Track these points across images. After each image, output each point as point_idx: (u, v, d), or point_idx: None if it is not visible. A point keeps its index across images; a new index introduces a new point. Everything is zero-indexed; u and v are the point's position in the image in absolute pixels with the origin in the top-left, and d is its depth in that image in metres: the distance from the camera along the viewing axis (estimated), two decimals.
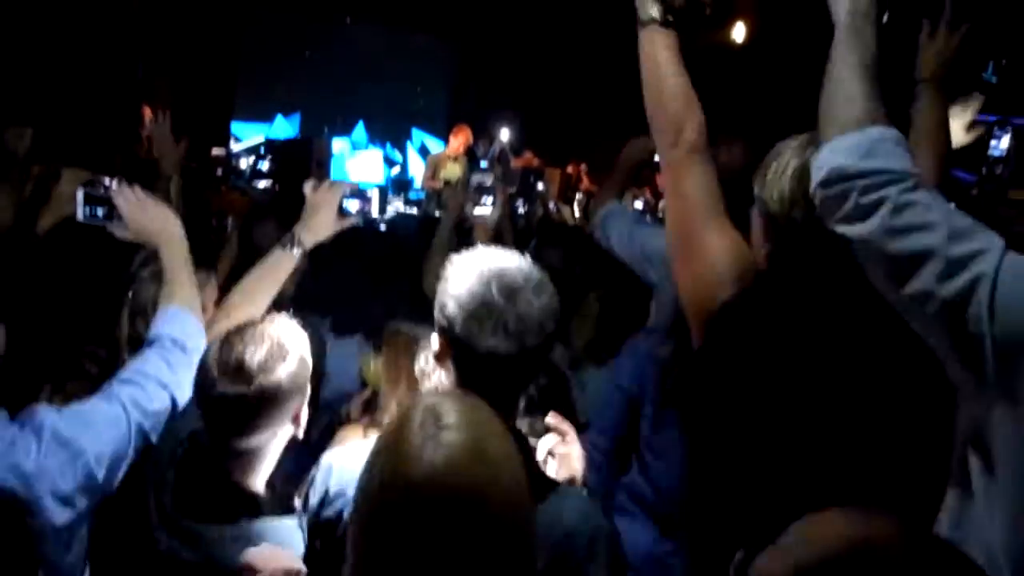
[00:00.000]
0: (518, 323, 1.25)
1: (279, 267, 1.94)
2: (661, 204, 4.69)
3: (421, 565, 0.91)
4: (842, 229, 1.16)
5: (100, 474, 1.44)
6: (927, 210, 1.11)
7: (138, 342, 1.74)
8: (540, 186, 6.70)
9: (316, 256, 2.18)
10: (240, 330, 1.49)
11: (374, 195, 2.81)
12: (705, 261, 1.43)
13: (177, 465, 1.51)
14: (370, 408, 2.13)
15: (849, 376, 1.29)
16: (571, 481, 1.50)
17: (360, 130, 9.58)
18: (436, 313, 1.33)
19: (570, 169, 7.37)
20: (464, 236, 3.58)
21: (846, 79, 1.22)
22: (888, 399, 1.28)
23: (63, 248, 2.28)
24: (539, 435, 1.55)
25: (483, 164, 7.50)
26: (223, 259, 2.70)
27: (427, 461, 0.92)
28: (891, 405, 1.28)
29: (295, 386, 1.47)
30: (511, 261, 1.33)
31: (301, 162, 6.50)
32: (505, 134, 8.01)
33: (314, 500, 1.39)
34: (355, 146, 9.55)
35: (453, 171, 7.29)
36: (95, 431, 1.45)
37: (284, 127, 9.09)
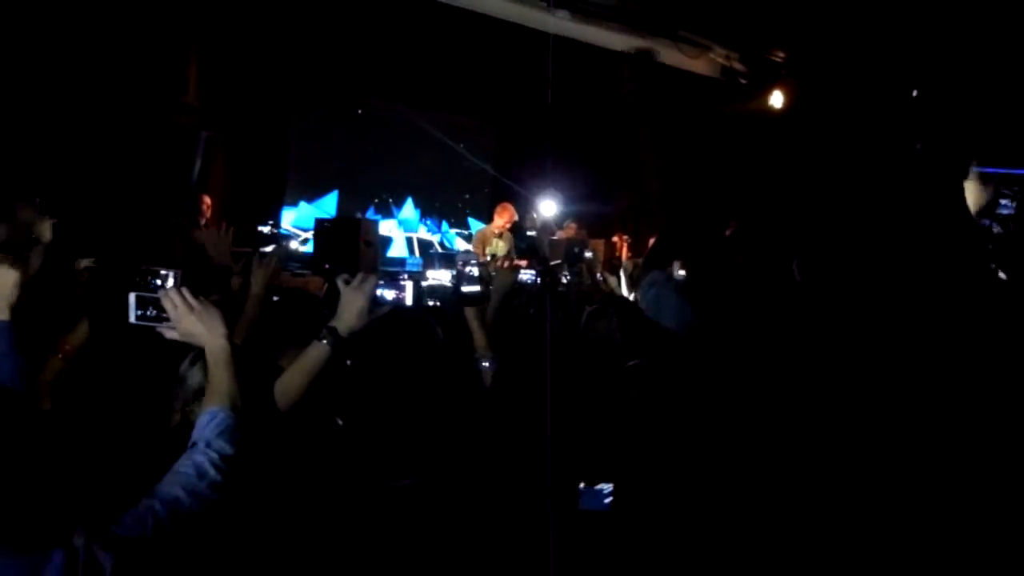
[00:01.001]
0: None
1: (316, 360, 2.06)
2: None
3: None
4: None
5: None
6: None
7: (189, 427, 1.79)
8: (587, 254, 6.77)
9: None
10: None
11: (408, 285, 2.86)
12: None
13: None
14: None
15: None
16: None
17: (409, 206, 9.78)
18: None
19: (615, 240, 7.43)
20: (510, 312, 3.61)
21: None
22: None
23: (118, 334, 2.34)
24: None
25: (530, 233, 7.58)
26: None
27: None
28: None
29: None
30: None
31: (350, 242, 6.64)
32: (548, 208, 8.12)
33: None
34: (406, 226, 9.74)
35: (499, 247, 7.41)
36: None
37: (331, 206, 9.32)
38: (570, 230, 7.80)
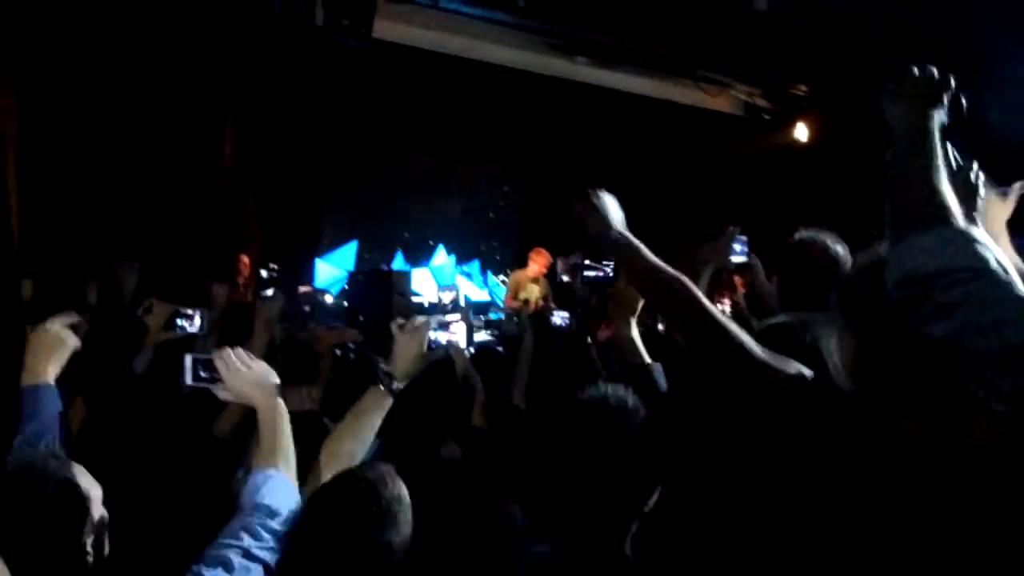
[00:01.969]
0: None
1: (375, 408, 2.01)
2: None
3: None
4: (924, 330, 1.13)
5: None
6: (1011, 305, 1.08)
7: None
8: None
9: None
10: (338, 481, 1.56)
11: (460, 327, 2.90)
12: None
13: None
14: None
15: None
16: None
17: (441, 253, 9.88)
18: None
19: None
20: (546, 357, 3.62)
21: (913, 181, 1.24)
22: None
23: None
24: None
25: (564, 278, 7.61)
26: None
27: None
28: None
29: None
30: None
31: (383, 293, 6.73)
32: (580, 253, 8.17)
33: None
34: (438, 275, 9.83)
35: (533, 291, 7.46)
36: None
37: (348, 258, 9.43)
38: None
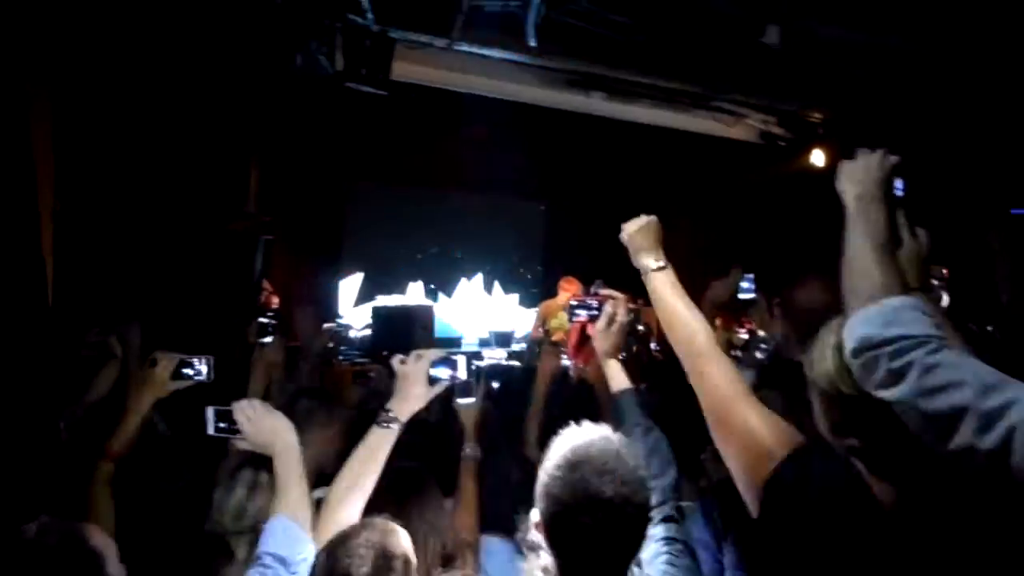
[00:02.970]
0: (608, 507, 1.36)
1: (379, 447, 2.01)
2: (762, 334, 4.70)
3: None
4: (880, 394, 1.22)
5: None
6: (955, 368, 1.16)
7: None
8: (640, 328, 6.77)
9: None
10: (344, 540, 1.57)
11: (461, 361, 2.94)
12: (749, 435, 1.55)
13: None
14: None
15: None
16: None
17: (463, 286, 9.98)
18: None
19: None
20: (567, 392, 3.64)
21: (860, 256, 1.37)
22: None
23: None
24: None
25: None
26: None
27: None
28: None
29: None
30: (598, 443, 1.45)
31: (406, 330, 6.84)
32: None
33: None
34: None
35: (561, 321, 7.46)
36: None
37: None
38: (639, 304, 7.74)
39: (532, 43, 5.21)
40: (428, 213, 9.59)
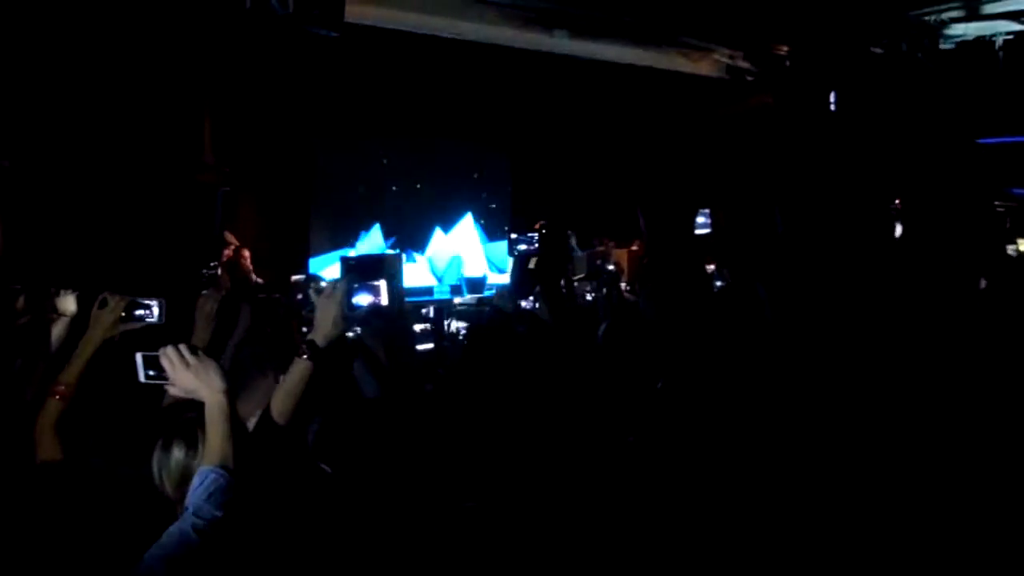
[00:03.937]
0: None
1: (301, 377, 2.13)
2: None
3: None
4: None
5: None
6: None
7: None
8: (609, 267, 6.78)
9: None
10: None
11: (382, 286, 2.92)
12: None
13: None
14: None
15: None
16: None
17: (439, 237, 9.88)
18: None
19: (635, 248, 7.42)
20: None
21: None
22: None
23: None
24: None
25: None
26: None
27: None
28: None
29: None
30: None
31: (375, 277, 6.77)
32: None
33: None
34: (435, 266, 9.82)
35: None
36: None
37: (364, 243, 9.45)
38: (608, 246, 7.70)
39: None
40: (393, 159, 9.45)
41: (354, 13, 5.24)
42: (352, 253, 8.67)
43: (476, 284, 8.93)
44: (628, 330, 3.48)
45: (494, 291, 7.99)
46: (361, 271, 7.11)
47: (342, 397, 2.81)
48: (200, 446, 1.85)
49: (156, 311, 2.35)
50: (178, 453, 1.88)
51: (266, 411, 2.16)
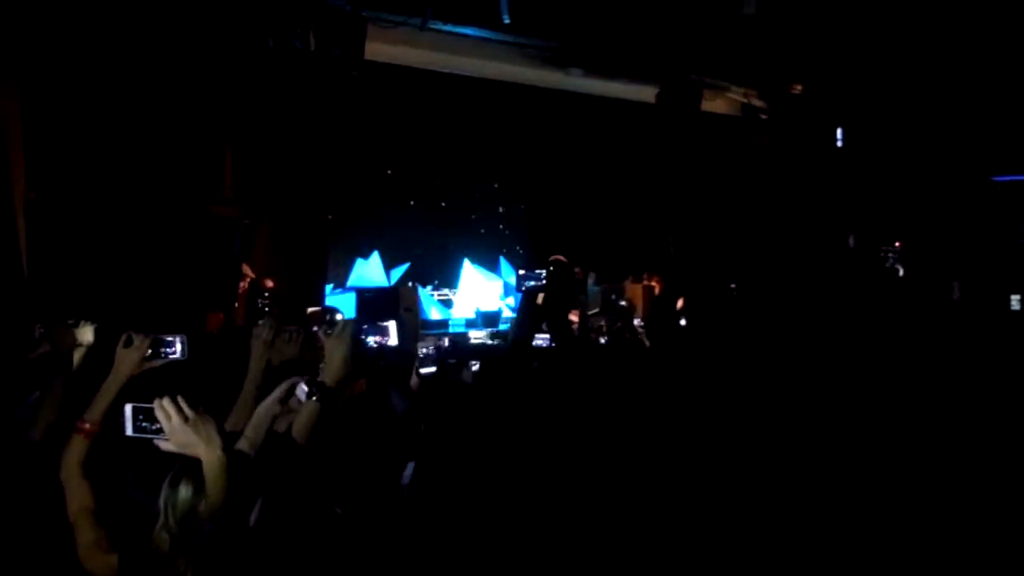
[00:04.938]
0: None
1: (309, 419, 2.08)
2: None
3: None
4: None
5: None
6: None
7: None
8: (622, 303, 6.79)
9: None
10: None
11: (391, 327, 2.94)
12: None
13: None
14: None
15: None
16: None
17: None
18: None
19: (645, 282, 7.41)
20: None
21: None
22: None
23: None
24: None
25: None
26: None
27: None
28: None
29: None
30: None
31: (391, 310, 6.83)
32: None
33: None
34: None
35: None
36: None
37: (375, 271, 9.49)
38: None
39: (506, 20, 5.20)
40: (417, 201, 9.52)
41: (372, 51, 5.37)
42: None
43: (491, 318, 8.95)
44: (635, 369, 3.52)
45: (508, 325, 8.03)
46: (374, 305, 7.17)
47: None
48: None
49: (179, 347, 2.34)
50: (185, 492, 1.84)
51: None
